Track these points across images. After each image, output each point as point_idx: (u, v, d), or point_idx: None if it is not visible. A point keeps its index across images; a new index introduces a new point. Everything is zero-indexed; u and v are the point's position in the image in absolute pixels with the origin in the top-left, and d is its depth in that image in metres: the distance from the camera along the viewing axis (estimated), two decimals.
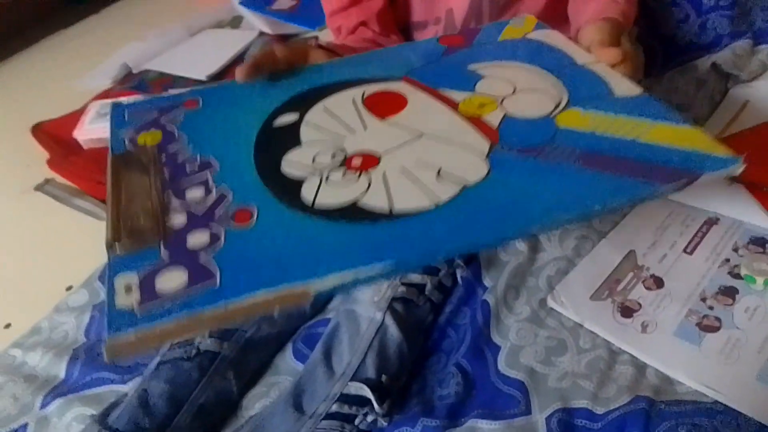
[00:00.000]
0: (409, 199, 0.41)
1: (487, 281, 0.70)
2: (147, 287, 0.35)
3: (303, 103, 0.53)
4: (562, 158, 0.43)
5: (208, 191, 0.43)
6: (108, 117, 0.54)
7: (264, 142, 0.49)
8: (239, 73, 0.54)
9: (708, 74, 0.84)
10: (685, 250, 0.68)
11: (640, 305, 0.63)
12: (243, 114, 0.52)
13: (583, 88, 0.50)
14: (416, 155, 0.45)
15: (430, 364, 0.65)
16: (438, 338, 0.67)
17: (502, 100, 0.50)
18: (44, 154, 1.13)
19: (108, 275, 0.36)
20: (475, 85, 0.53)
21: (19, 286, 0.91)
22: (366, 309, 0.65)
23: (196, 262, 0.37)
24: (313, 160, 0.46)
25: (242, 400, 0.67)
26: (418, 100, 0.52)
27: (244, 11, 1.42)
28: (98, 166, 1.05)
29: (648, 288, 0.65)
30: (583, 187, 0.41)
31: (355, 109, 0.51)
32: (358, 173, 0.44)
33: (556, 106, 0.48)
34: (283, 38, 1.32)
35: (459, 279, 0.70)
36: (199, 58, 1.23)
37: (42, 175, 1.10)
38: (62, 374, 0.73)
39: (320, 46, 0.63)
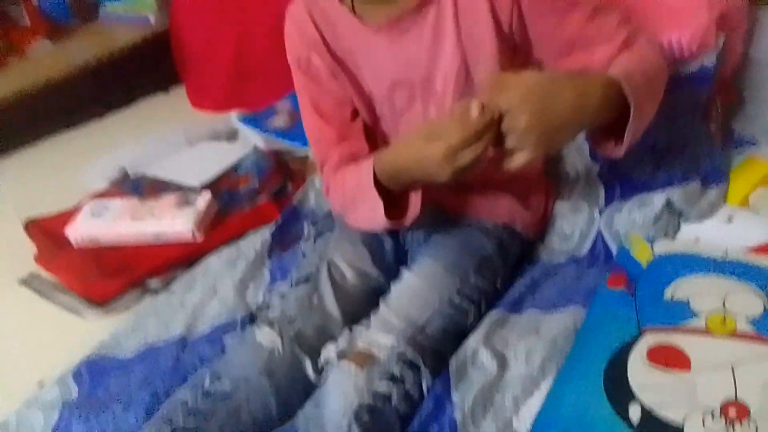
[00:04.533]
0: None
1: (455, 396, 0.72)
2: None
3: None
4: None
5: None
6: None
7: None
8: None
9: (662, 211, 0.92)
10: None
11: None
12: None
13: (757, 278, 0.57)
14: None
15: None
16: None
17: (725, 309, 0.57)
18: (33, 249, 1.16)
19: None
20: (692, 309, 0.59)
21: None
22: (333, 416, 0.66)
23: None
24: None
25: None
26: (687, 344, 0.56)
27: (241, 127, 1.52)
28: (86, 263, 1.08)
29: None
30: None
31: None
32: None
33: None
34: (277, 154, 1.41)
35: (425, 390, 0.72)
36: (194, 166, 1.30)
37: (28, 270, 1.13)
38: None
39: None
